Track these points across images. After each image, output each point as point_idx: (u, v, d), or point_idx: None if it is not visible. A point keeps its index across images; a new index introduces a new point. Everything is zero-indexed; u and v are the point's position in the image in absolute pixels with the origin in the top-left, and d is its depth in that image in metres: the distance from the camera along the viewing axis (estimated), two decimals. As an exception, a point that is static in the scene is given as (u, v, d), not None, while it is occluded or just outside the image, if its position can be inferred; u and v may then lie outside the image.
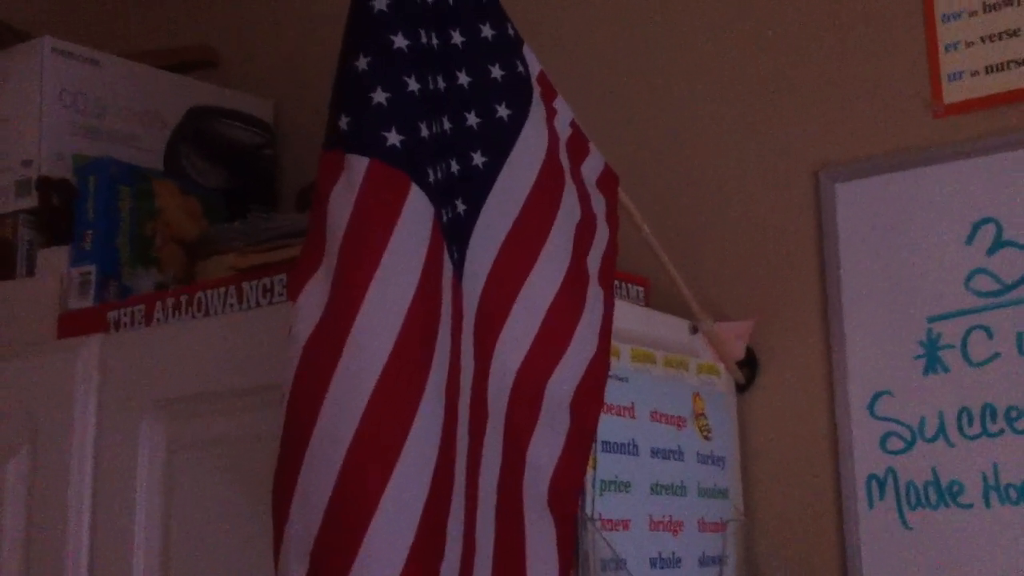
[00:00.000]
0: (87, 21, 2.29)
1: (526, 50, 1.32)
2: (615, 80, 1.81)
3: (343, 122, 1.11)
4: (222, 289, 1.46)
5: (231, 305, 1.45)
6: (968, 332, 1.50)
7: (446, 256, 1.13)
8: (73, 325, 1.59)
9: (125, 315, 1.54)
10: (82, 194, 1.67)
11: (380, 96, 1.10)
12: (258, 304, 1.42)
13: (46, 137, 1.76)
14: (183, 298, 1.49)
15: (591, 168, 1.40)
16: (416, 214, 1.09)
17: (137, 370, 1.47)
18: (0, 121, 1.79)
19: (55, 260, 1.65)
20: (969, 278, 1.51)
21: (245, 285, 1.44)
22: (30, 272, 1.70)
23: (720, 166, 1.70)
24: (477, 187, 1.21)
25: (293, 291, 1.09)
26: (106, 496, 1.45)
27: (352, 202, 1.08)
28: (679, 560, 1.39)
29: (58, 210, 1.69)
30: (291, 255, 1.43)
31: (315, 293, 1.08)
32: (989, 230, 1.51)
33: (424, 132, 1.13)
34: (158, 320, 1.51)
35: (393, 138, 1.10)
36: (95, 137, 1.83)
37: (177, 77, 1.97)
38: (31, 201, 1.73)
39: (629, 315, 1.42)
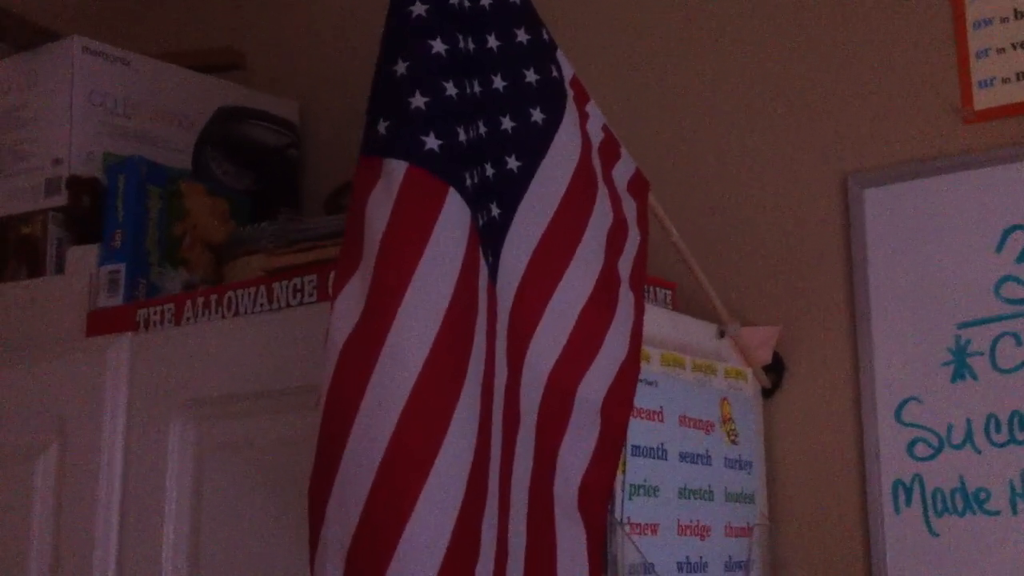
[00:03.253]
0: (116, 21, 2.30)
1: (559, 54, 1.32)
2: (643, 85, 1.81)
3: (381, 127, 1.11)
4: (252, 289, 1.47)
5: (261, 305, 1.45)
6: (997, 339, 1.50)
7: (482, 260, 1.13)
8: (102, 323, 1.59)
9: (155, 314, 1.55)
10: (112, 193, 1.68)
11: (419, 101, 1.11)
12: (288, 305, 1.43)
13: (76, 136, 1.77)
14: (213, 298, 1.50)
15: (622, 172, 1.40)
16: (453, 218, 1.10)
17: (166, 370, 1.47)
18: (31, 120, 1.80)
19: (84, 258, 1.66)
20: (998, 285, 1.51)
21: (275, 286, 1.45)
22: (59, 270, 1.70)
23: (749, 171, 1.70)
24: (511, 191, 1.22)
25: (332, 294, 1.10)
26: (135, 495, 1.46)
27: (390, 206, 1.08)
28: (706, 564, 1.40)
29: (88, 209, 1.70)
30: (322, 257, 1.44)
31: (352, 296, 1.08)
32: (1019, 237, 1.51)
33: (461, 136, 1.14)
34: (188, 320, 1.51)
35: (431, 143, 1.10)
36: (124, 137, 1.83)
37: (205, 77, 1.98)
38: (61, 199, 1.74)
39: (657, 319, 1.42)
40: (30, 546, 1.51)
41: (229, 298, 1.48)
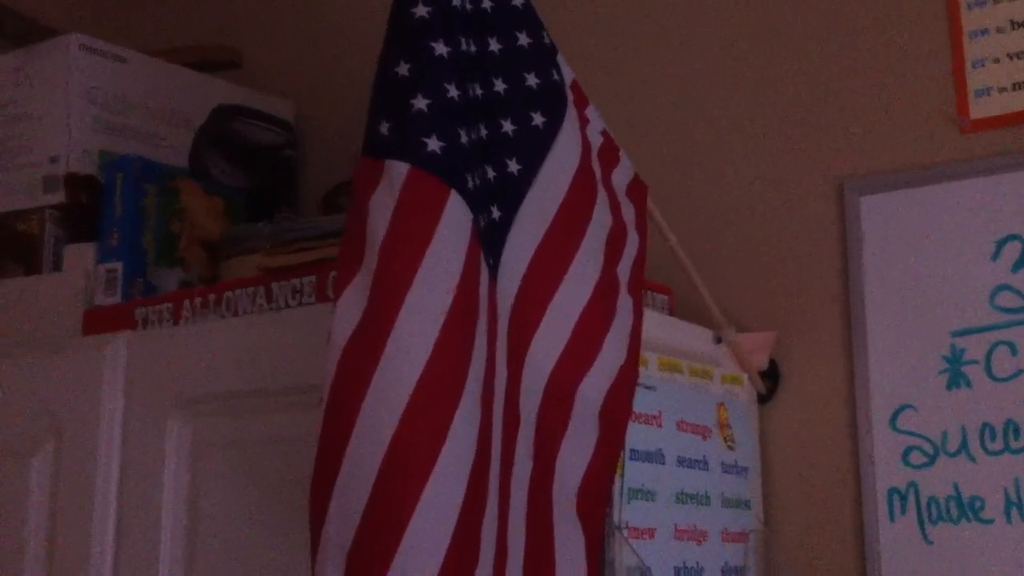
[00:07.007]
0: (113, 19, 2.30)
1: (560, 58, 1.33)
2: (641, 91, 1.81)
3: (383, 128, 1.11)
4: (251, 289, 1.47)
5: (260, 305, 1.45)
6: (992, 348, 1.51)
7: (483, 262, 1.14)
8: (99, 321, 1.59)
9: (153, 313, 1.54)
10: (109, 191, 1.67)
11: (421, 103, 1.11)
12: (287, 305, 1.43)
13: (73, 134, 1.76)
14: (211, 297, 1.50)
15: (621, 177, 1.40)
16: (455, 220, 1.10)
17: (164, 369, 1.47)
18: (28, 117, 1.80)
19: (82, 256, 1.66)
20: (993, 294, 1.52)
21: (274, 286, 1.44)
22: (56, 268, 1.70)
23: (746, 177, 1.71)
24: (512, 194, 1.22)
25: (334, 296, 1.10)
26: (131, 494, 1.45)
27: (392, 208, 1.08)
28: (702, 570, 1.40)
29: (85, 207, 1.70)
30: (319, 257, 1.44)
31: (354, 297, 1.08)
32: (1014, 247, 1.52)
33: (463, 139, 1.14)
34: (186, 319, 1.51)
35: (433, 144, 1.10)
36: (121, 134, 1.83)
37: (202, 76, 1.98)
38: (58, 197, 1.73)
39: (655, 324, 1.43)
40: (25, 544, 1.51)
41: (228, 298, 1.48)
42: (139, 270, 1.64)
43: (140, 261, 1.64)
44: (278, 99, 2.07)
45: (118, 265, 1.62)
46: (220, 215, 1.78)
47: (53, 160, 1.75)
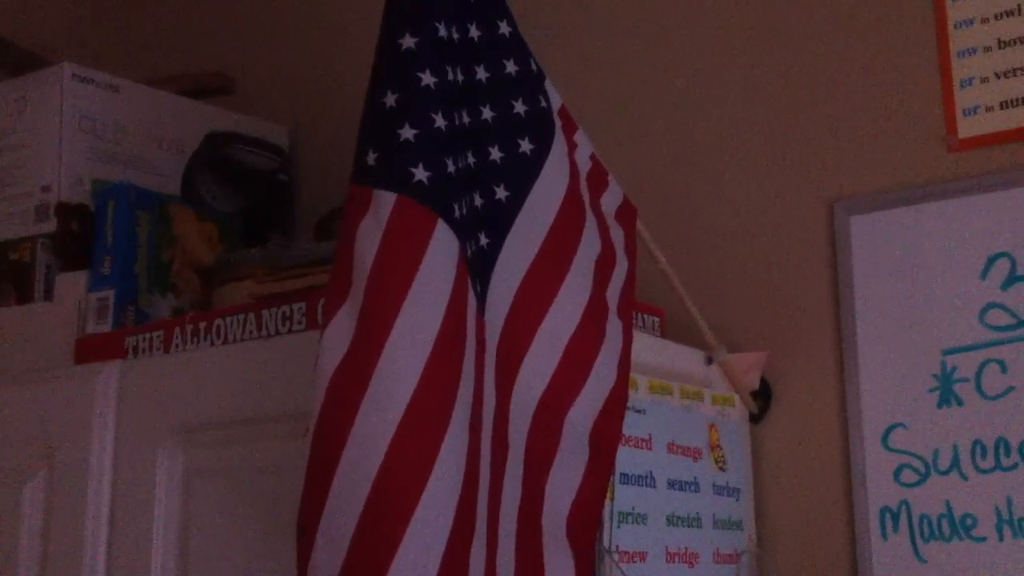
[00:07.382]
0: (105, 47, 2.31)
1: (547, 84, 1.33)
2: (630, 112, 1.82)
3: (371, 158, 1.12)
4: (241, 316, 1.47)
5: (250, 332, 1.45)
6: (982, 366, 1.51)
7: (470, 289, 1.14)
8: (90, 350, 1.59)
9: (143, 341, 1.55)
10: (101, 219, 1.68)
11: (408, 132, 1.12)
12: (277, 332, 1.43)
13: (65, 162, 1.77)
14: (202, 325, 1.50)
15: (610, 201, 1.41)
16: (442, 249, 1.10)
17: (155, 397, 1.47)
18: (20, 146, 1.80)
19: (73, 285, 1.66)
20: (984, 312, 1.52)
21: (264, 313, 1.45)
22: (48, 297, 1.70)
23: (736, 197, 1.71)
24: (500, 221, 1.22)
25: (322, 324, 1.10)
26: (123, 523, 1.45)
27: (379, 237, 1.09)
28: (694, 592, 1.40)
29: (76, 235, 1.70)
30: (310, 283, 1.44)
31: (342, 326, 1.09)
32: (1004, 265, 1.52)
33: (450, 167, 1.15)
34: (176, 346, 1.51)
35: (420, 174, 1.11)
36: (113, 162, 1.83)
37: (194, 103, 1.99)
38: (50, 226, 1.73)
39: (645, 346, 1.43)
40: (17, 572, 1.51)
41: (218, 325, 1.48)
42: (131, 297, 1.64)
43: (132, 288, 1.65)
44: (271, 124, 2.07)
45: (110, 293, 1.62)
46: (213, 240, 1.79)
47: (45, 189, 1.76)
